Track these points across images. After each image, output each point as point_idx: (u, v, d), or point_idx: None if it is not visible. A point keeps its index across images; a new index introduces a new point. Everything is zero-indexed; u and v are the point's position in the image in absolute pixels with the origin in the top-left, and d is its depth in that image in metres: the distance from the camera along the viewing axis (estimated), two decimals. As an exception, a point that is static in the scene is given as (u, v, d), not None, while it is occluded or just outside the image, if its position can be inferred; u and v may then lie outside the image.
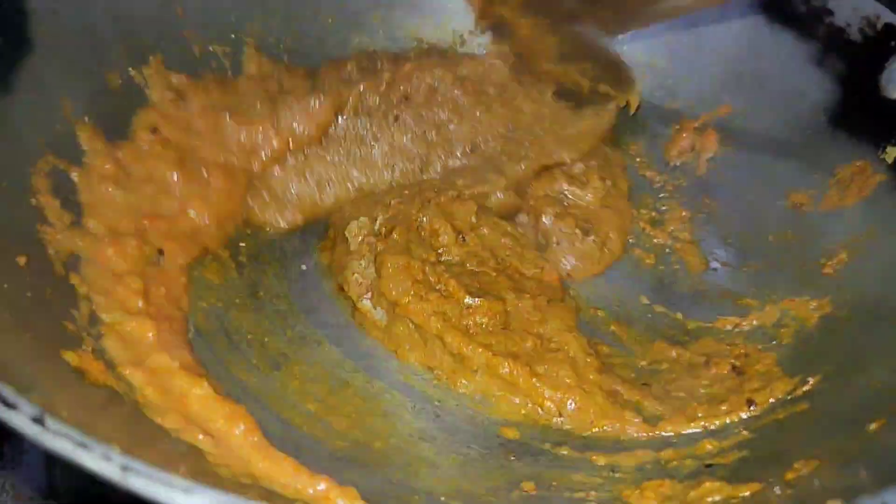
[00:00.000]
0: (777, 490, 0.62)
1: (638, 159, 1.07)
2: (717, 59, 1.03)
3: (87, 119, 0.80)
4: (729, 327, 0.89)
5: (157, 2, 0.91)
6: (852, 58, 0.91)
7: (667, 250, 0.99)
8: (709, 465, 0.72)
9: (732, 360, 0.83)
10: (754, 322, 0.88)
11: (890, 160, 0.85)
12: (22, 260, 0.66)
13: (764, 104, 0.99)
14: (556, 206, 0.98)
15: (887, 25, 0.88)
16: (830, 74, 0.93)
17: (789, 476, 0.64)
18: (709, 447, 0.74)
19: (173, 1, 0.92)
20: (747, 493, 0.64)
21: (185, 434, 0.61)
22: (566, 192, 0.99)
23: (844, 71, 0.92)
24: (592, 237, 0.96)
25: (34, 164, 0.73)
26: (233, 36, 1.00)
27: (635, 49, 1.08)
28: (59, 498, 0.76)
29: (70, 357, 0.63)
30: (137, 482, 0.41)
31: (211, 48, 0.96)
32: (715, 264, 0.96)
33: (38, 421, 0.44)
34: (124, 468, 0.42)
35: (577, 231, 0.95)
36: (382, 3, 1.11)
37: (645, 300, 0.93)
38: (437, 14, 1.13)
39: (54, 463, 0.78)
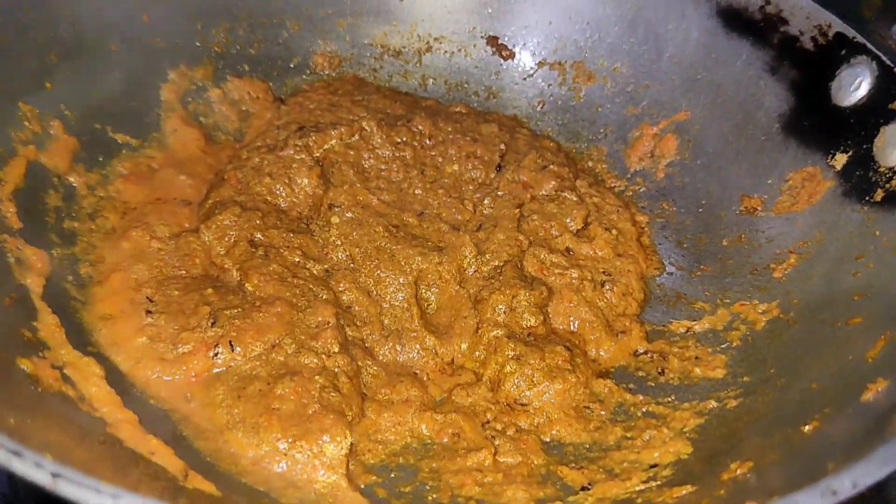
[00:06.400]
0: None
1: (599, 165, 1.09)
2: (676, 66, 1.04)
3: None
4: (682, 330, 0.91)
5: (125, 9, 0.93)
6: (805, 66, 0.93)
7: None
8: (653, 466, 0.74)
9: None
10: (706, 325, 0.90)
11: (838, 167, 0.87)
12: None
13: (720, 110, 1.00)
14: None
15: (838, 34, 0.89)
16: (784, 82, 0.94)
17: (725, 477, 0.66)
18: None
19: (140, 9, 0.94)
20: (682, 494, 0.66)
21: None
22: (575, 254, 0.95)
23: (797, 79, 0.94)
24: (611, 288, 0.91)
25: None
26: (198, 44, 1.02)
27: (596, 55, 1.10)
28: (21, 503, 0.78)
29: (25, 364, 0.65)
30: (67, 488, 0.43)
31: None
32: (671, 268, 0.98)
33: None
34: (55, 475, 0.43)
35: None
36: (349, 10, 1.12)
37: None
38: (403, 21, 1.15)
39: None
